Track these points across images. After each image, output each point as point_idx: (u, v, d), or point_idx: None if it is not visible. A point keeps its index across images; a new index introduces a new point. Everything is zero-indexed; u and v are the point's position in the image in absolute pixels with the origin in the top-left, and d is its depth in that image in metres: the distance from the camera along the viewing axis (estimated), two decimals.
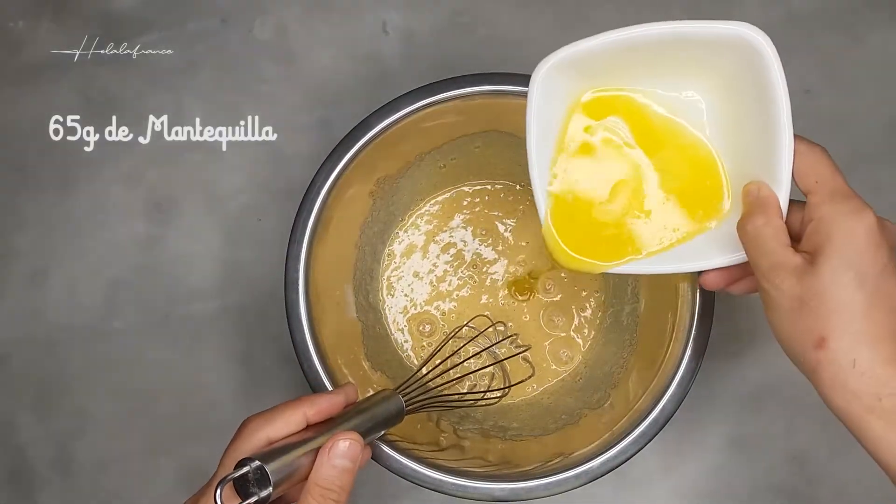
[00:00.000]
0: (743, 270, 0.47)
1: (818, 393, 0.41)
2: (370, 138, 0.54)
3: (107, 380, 0.66)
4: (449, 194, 0.65)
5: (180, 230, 0.67)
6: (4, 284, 0.67)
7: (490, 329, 0.61)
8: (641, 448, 0.52)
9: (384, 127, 0.54)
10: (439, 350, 0.58)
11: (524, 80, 0.54)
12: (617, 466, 0.51)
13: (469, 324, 0.62)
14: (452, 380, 0.60)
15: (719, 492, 0.63)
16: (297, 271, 0.53)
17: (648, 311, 0.59)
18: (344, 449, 0.43)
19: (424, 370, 0.54)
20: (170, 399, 0.65)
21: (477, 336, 0.61)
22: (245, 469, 0.40)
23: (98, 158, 0.68)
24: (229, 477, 0.40)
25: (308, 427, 0.45)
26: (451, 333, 0.61)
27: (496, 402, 0.60)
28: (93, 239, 0.67)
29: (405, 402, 0.49)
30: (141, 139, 0.68)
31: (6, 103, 0.69)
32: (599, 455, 0.51)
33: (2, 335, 0.67)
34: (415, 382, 0.52)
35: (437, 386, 0.55)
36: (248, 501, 0.39)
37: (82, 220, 0.68)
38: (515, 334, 0.63)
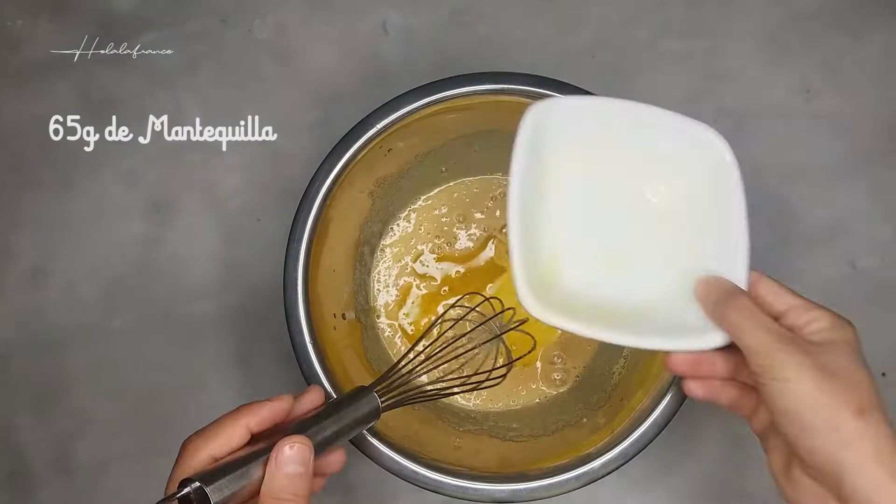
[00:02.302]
0: (727, 374, 0.47)
1: (846, 470, 0.39)
2: (369, 138, 0.54)
3: (106, 380, 0.66)
4: (444, 188, 0.65)
5: (180, 230, 0.67)
6: (4, 284, 0.67)
7: (482, 305, 0.56)
8: (642, 449, 0.51)
9: (383, 126, 0.54)
10: (425, 334, 0.55)
11: (524, 79, 0.54)
12: (618, 468, 0.51)
13: (461, 304, 0.58)
14: (444, 362, 0.54)
15: (719, 492, 0.63)
16: (297, 271, 0.53)
17: None
18: (290, 454, 0.41)
19: (406, 361, 0.51)
20: (169, 399, 0.65)
21: (469, 312, 0.56)
22: (186, 490, 0.39)
23: (98, 158, 0.68)
24: (166, 498, 0.39)
25: (259, 438, 0.43)
26: (440, 315, 0.59)
27: (500, 382, 0.55)
28: (92, 239, 0.67)
29: (382, 398, 0.47)
30: (141, 139, 0.68)
31: (6, 103, 0.69)
32: (600, 456, 0.51)
33: (1, 335, 0.67)
34: (394, 375, 0.49)
35: (428, 372, 0.53)
36: None
37: (82, 219, 0.68)
38: (512, 308, 0.56)
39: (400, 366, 0.51)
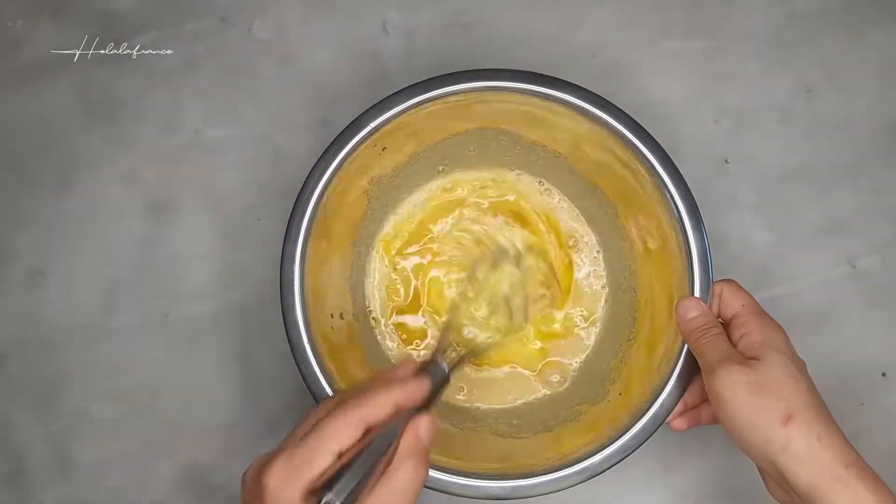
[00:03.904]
0: (700, 398, 0.53)
1: (785, 471, 0.44)
2: (364, 136, 0.54)
3: (105, 380, 0.66)
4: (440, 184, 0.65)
5: (179, 230, 0.67)
6: (3, 284, 0.67)
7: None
8: (642, 443, 0.51)
9: (378, 125, 0.54)
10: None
11: (519, 76, 0.54)
12: (617, 462, 0.51)
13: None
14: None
15: (719, 491, 0.63)
16: (293, 272, 0.53)
17: (646, 306, 0.59)
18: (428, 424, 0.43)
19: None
20: (168, 399, 0.65)
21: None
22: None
23: (97, 158, 0.68)
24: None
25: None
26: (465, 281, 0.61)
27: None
28: (91, 239, 0.67)
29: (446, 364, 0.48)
30: (140, 139, 0.68)
31: (6, 103, 0.69)
32: (600, 451, 0.51)
33: (1, 335, 0.67)
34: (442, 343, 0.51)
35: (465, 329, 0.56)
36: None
37: (81, 220, 0.68)
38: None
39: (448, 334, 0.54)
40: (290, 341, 0.53)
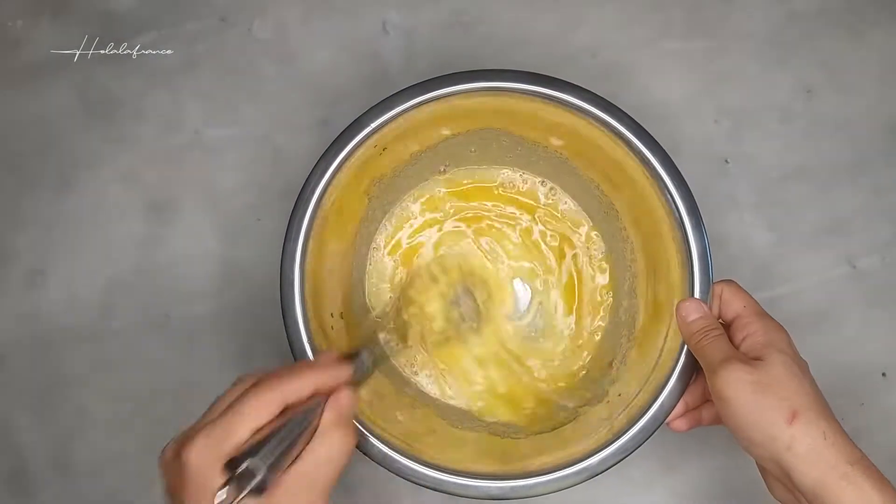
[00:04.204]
0: (701, 398, 0.53)
1: (790, 470, 0.44)
2: (364, 136, 0.54)
3: (105, 380, 0.66)
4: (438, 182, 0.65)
5: (179, 230, 0.67)
6: (3, 284, 0.67)
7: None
8: (641, 444, 0.51)
9: (378, 125, 0.54)
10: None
11: (520, 76, 0.54)
12: (616, 463, 0.51)
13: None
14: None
15: (719, 492, 0.63)
16: (293, 272, 0.53)
17: (646, 307, 0.59)
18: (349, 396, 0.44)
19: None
20: (168, 399, 0.65)
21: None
22: (243, 467, 0.39)
23: (97, 158, 0.68)
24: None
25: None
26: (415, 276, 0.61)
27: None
28: (91, 239, 0.67)
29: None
30: (140, 139, 0.68)
31: (6, 103, 0.69)
32: (599, 451, 0.51)
33: (1, 335, 0.67)
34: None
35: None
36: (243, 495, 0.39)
37: (81, 220, 0.68)
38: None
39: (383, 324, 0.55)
40: (289, 341, 0.53)
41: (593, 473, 0.51)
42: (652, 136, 0.54)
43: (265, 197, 0.67)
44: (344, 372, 0.46)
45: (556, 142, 0.60)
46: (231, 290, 0.67)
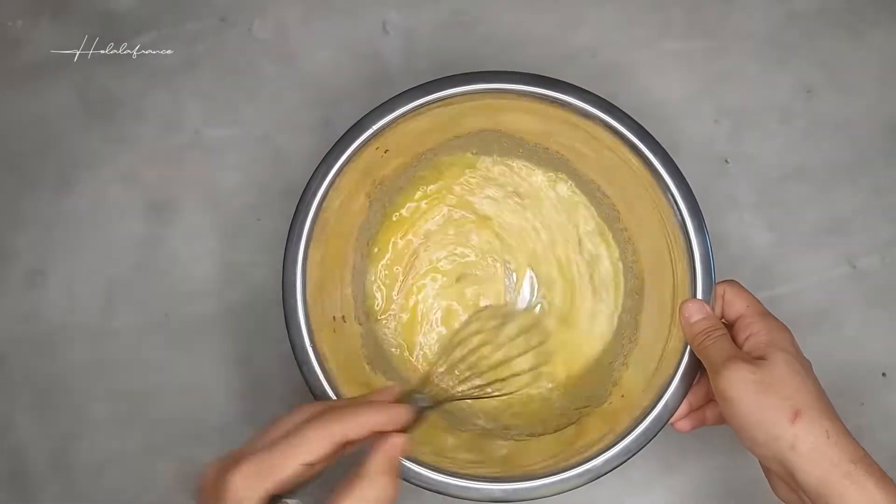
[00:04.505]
0: (705, 399, 0.53)
1: (794, 469, 0.44)
2: (366, 139, 0.54)
3: (105, 380, 0.66)
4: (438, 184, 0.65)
5: (179, 230, 0.67)
6: (3, 284, 0.67)
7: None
8: (644, 445, 0.51)
9: (380, 127, 0.54)
10: (455, 343, 0.57)
11: (521, 78, 0.54)
12: (620, 464, 0.51)
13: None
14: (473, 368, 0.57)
15: (719, 492, 0.63)
16: (295, 273, 0.53)
17: (648, 307, 0.59)
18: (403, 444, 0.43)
19: (440, 366, 0.53)
20: (168, 400, 0.65)
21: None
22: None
23: (97, 158, 0.68)
24: None
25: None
26: (465, 324, 0.61)
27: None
28: (92, 239, 0.67)
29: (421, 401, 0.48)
30: (140, 139, 0.68)
31: (6, 103, 0.69)
32: (602, 453, 0.51)
33: (1, 335, 0.67)
34: (431, 381, 0.50)
35: (460, 379, 0.55)
36: None
37: (81, 220, 0.68)
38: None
39: (437, 369, 0.54)
40: (292, 343, 0.53)
41: (597, 475, 0.51)
42: (654, 138, 0.54)
43: (265, 197, 0.67)
44: (404, 415, 0.44)
45: (556, 143, 0.60)
46: (231, 290, 0.66)
